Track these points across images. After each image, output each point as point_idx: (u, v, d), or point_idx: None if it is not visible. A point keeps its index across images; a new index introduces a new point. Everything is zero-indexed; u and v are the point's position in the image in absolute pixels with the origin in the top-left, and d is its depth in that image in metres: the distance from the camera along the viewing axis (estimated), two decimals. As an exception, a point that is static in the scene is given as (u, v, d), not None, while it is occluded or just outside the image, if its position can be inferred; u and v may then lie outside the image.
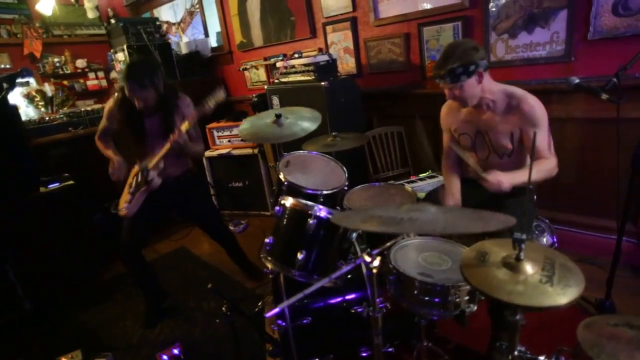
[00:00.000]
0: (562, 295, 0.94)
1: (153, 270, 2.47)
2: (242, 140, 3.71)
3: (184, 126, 2.07)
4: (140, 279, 2.40)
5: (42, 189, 2.73)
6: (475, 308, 1.41)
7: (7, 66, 4.37)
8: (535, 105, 1.64)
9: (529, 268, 1.02)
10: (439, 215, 1.07)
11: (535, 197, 1.93)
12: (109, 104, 2.29)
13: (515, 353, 1.20)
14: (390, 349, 1.73)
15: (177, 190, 2.36)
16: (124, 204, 2.19)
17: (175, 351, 2.06)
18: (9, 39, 4.39)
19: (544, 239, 2.43)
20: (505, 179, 1.54)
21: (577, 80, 1.64)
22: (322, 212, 1.49)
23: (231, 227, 3.60)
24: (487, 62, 1.64)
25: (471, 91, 1.65)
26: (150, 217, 2.27)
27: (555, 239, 2.41)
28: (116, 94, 2.25)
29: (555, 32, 2.28)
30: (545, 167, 1.62)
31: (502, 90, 1.70)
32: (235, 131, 3.73)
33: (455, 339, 1.87)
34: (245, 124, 2.24)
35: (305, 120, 2.13)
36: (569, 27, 2.22)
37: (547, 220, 2.47)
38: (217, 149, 3.82)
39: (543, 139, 1.65)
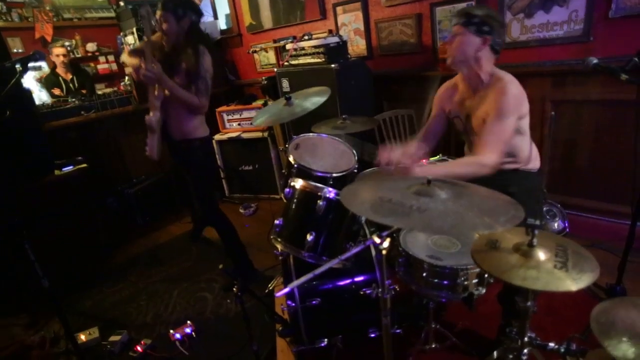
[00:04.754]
0: (578, 281, 0.94)
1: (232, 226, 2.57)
2: (251, 123, 3.71)
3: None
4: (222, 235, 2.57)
5: (57, 172, 2.77)
6: (484, 291, 1.42)
7: (20, 50, 4.40)
8: (509, 95, 1.50)
9: (541, 254, 1.02)
10: (449, 205, 1.05)
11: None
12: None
13: (525, 339, 1.20)
14: (398, 331, 1.75)
15: (180, 155, 2.40)
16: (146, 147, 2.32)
17: (188, 330, 2.12)
18: (20, 23, 4.40)
19: (555, 224, 2.41)
20: (413, 169, 1.38)
21: (595, 61, 1.59)
22: (331, 193, 1.49)
23: (241, 211, 3.63)
24: (498, 48, 1.57)
25: (466, 48, 1.56)
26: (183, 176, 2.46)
27: (566, 224, 2.39)
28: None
29: (574, 10, 2.20)
30: (472, 166, 1.44)
31: (492, 73, 1.61)
32: (245, 114, 3.73)
33: (463, 322, 1.88)
34: (259, 117, 2.17)
35: (313, 96, 2.12)
36: (588, 4, 2.14)
37: (559, 205, 2.44)
38: (227, 133, 3.83)
39: (497, 130, 1.49)
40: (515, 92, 1.52)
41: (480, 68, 1.60)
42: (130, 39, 3.88)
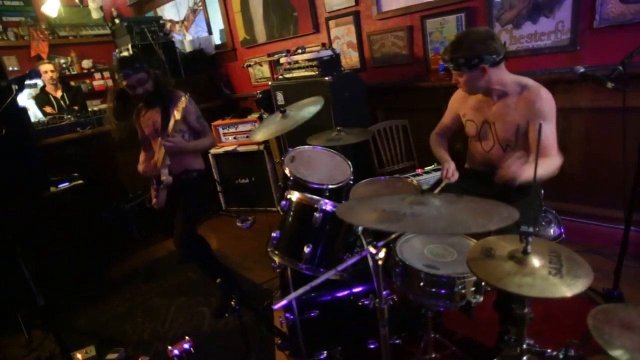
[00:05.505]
0: (573, 286, 0.95)
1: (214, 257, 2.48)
2: (247, 136, 3.73)
3: (170, 127, 2.10)
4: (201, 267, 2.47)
5: (52, 189, 2.77)
6: (482, 299, 1.42)
7: (15, 68, 4.42)
8: (546, 99, 1.61)
9: (535, 261, 1.03)
10: (443, 210, 1.06)
11: (542, 190, 1.92)
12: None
13: (524, 346, 1.21)
14: (397, 341, 1.75)
15: (176, 188, 2.33)
16: (153, 199, 2.36)
17: (186, 345, 2.09)
18: (16, 42, 4.44)
19: (551, 230, 2.42)
20: (521, 171, 1.46)
21: (582, 70, 1.63)
22: (327, 205, 1.50)
23: (238, 224, 3.63)
24: (500, 57, 1.59)
25: (473, 82, 1.66)
26: (171, 209, 2.35)
27: (562, 230, 2.40)
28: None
29: (560, 21, 2.26)
30: (552, 163, 1.58)
31: (516, 81, 1.68)
32: (240, 128, 3.75)
33: (462, 330, 1.87)
34: (257, 132, 2.16)
35: (308, 106, 2.12)
36: (574, 15, 2.20)
37: (554, 211, 2.46)
38: (223, 146, 3.84)
39: (550, 134, 1.61)
40: (547, 95, 1.62)
41: (494, 84, 1.66)
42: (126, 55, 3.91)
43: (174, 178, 2.30)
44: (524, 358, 1.22)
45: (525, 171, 1.46)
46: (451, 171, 1.83)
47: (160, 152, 2.22)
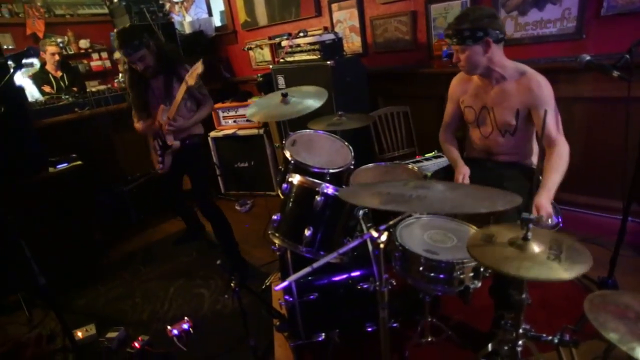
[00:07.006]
0: (570, 271, 0.96)
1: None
2: (247, 120, 3.71)
3: (181, 92, 2.20)
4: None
5: (51, 169, 2.75)
6: (480, 284, 1.44)
7: (10, 47, 4.34)
8: (543, 85, 1.63)
9: (535, 247, 1.03)
10: (447, 194, 1.07)
11: (540, 177, 1.92)
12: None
13: (520, 331, 1.22)
14: (394, 325, 1.77)
15: (182, 154, 2.48)
16: (158, 165, 2.53)
17: (185, 326, 2.12)
18: (10, 19, 4.34)
19: (549, 219, 2.44)
20: (547, 204, 1.54)
21: (588, 58, 1.61)
22: (329, 189, 1.50)
23: (237, 207, 3.63)
24: (502, 36, 1.62)
25: (475, 58, 1.64)
26: (174, 174, 2.58)
27: (560, 219, 2.42)
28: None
29: (566, 8, 2.23)
30: (564, 159, 1.60)
31: (514, 67, 1.69)
32: (240, 111, 3.72)
33: (458, 316, 1.90)
34: (252, 108, 2.17)
35: (310, 97, 2.11)
36: (581, 3, 2.17)
37: (552, 201, 2.47)
38: (222, 130, 3.82)
39: (553, 118, 1.64)
40: (544, 81, 1.64)
41: (495, 64, 1.67)
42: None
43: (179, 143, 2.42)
44: (520, 342, 1.24)
45: (547, 199, 1.56)
46: (462, 178, 1.79)
47: (165, 118, 2.30)
